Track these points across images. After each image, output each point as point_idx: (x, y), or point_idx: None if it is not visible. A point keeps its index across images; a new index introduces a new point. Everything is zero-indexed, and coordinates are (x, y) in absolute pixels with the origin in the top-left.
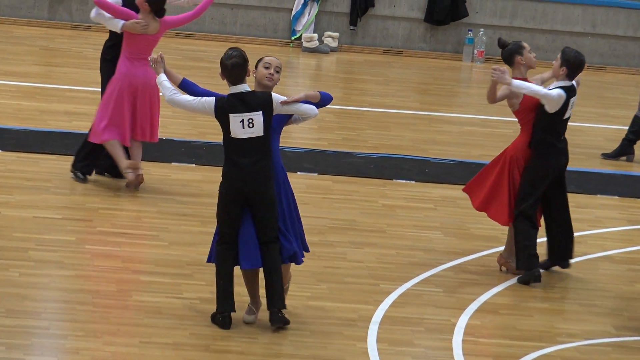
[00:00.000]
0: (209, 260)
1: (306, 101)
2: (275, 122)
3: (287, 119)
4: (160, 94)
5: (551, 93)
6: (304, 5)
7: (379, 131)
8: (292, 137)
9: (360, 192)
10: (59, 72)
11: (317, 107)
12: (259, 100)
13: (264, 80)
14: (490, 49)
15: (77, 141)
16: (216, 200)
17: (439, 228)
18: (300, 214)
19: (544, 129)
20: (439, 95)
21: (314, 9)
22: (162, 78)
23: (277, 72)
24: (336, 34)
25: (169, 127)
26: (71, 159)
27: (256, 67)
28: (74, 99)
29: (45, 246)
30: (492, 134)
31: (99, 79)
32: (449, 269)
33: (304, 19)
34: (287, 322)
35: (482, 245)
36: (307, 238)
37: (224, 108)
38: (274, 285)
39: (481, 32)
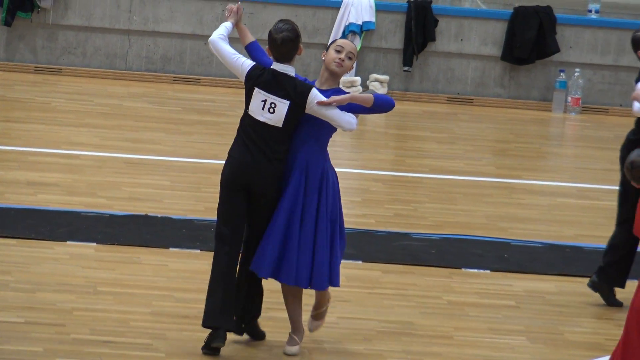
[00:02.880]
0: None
1: (354, 104)
2: (321, 128)
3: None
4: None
5: None
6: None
7: (443, 205)
8: None
9: (419, 285)
10: (20, 130)
11: (372, 113)
12: (293, 89)
13: (332, 65)
14: (589, 94)
15: (44, 221)
16: None
17: (524, 332)
18: (341, 314)
19: None
20: (521, 157)
21: (356, 44)
22: (226, 24)
23: (350, 58)
24: (385, 77)
25: (166, 202)
26: (38, 243)
27: (327, 49)
28: (38, 165)
29: None
30: (592, 207)
31: (73, 138)
32: None
33: None
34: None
35: (581, 355)
36: (349, 345)
37: (254, 78)
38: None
39: (576, 73)
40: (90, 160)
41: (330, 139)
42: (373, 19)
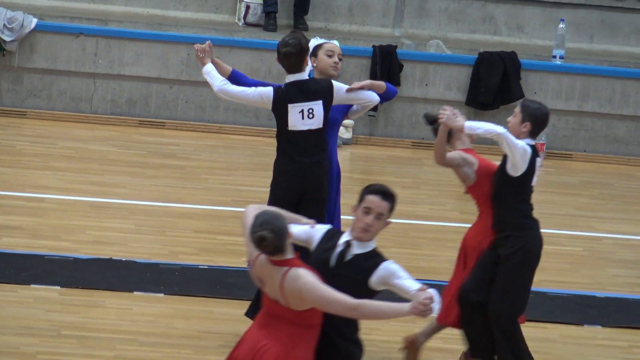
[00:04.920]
0: None
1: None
2: (335, 114)
3: (346, 110)
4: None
5: (514, 139)
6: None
7: (408, 250)
8: None
9: (382, 330)
10: None
11: (382, 101)
12: (319, 88)
13: (329, 70)
14: (553, 140)
15: (8, 264)
16: (196, 342)
17: None
18: None
19: (514, 198)
20: None
21: None
22: (210, 68)
23: (340, 59)
24: (350, 122)
25: (130, 245)
26: (2, 286)
27: (315, 55)
28: (3, 208)
29: None
30: (556, 252)
31: (38, 182)
32: None
33: None
34: None
35: None
36: None
37: (283, 98)
38: None
39: None
40: (55, 204)
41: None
42: None
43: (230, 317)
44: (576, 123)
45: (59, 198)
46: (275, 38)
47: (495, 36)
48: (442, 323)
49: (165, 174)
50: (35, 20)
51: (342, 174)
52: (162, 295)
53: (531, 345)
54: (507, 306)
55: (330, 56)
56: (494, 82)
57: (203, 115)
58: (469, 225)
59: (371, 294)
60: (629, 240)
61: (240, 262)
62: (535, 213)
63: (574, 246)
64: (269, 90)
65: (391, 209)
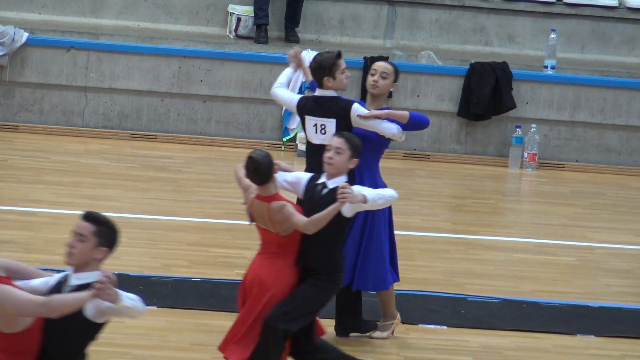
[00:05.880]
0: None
1: (390, 119)
2: (374, 137)
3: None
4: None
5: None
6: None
7: (400, 260)
8: None
9: (375, 341)
10: None
11: (409, 130)
12: (335, 107)
13: (369, 88)
14: (545, 150)
15: None
16: (189, 355)
17: None
18: None
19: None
20: (478, 213)
21: None
22: (288, 71)
23: (384, 78)
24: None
25: (122, 258)
26: None
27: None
28: None
29: None
30: (549, 262)
31: (30, 195)
32: None
33: None
34: None
35: None
36: None
37: (302, 109)
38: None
39: (533, 129)
40: (47, 217)
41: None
42: None
43: (223, 329)
44: (568, 133)
45: (51, 212)
46: (266, 50)
47: (487, 47)
48: None
49: (157, 187)
50: (26, 35)
51: None
52: (154, 308)
53: (524, 355)
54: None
55: (372, 75)
56: (486, 93)
57: (195, 128)
58: (461, 236)
59: (345, 220)
60: (622, 250)
61: (233, 275)
62: (528, 223)
63: (567, 256)
64: (297, 98)
65: (350, 145)
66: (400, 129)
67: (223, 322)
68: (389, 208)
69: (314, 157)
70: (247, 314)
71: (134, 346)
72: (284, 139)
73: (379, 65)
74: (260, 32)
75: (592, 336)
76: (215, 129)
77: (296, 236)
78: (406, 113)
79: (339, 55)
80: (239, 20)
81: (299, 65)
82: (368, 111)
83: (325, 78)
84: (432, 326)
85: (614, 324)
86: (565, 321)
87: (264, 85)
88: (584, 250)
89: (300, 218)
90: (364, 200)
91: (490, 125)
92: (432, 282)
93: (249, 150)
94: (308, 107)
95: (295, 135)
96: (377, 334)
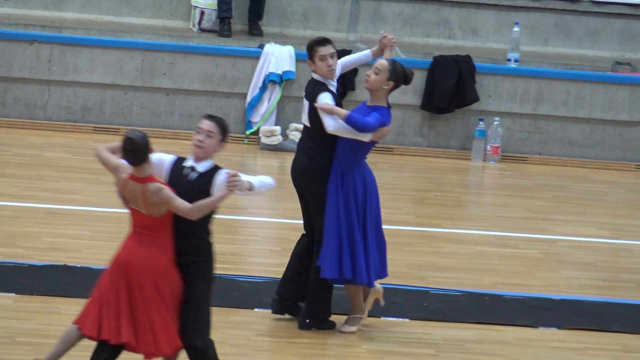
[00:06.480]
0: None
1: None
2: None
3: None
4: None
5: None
6: (262, 89)
7: None
8: (248, 263)
9: (338, 334)
10: None
11: (358, 131)
12: (311, 92)
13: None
14: (508, 143)
15: None
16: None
17: None
18: None
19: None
20: (441, 206)
21: (276, 94)
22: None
23: (376, 73)
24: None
25: (85, 252)
26: None
27: (313, 59)
28: None
29: None
30: (512, 255)
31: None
32: None
33: (263, 108)
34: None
35: None
36: None
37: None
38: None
39: (496, 122)
40: (9, 211)
41: (247, 190)
42: (293, 69)
43: None
44: (531, 126)
45: (13, 205)
46: (230, 44)
47: (450, 40)
48: None
49: None
50: None
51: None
52: None
53: (487, 348)
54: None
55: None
56: (449, 86)
57: (158, 121)
58: (424, 229)
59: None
60: (584, 243)
61: None
62: (491, 216)
63: (530, 249)
64: None
65: (221, 129)
66: (338, 127)
67: None
68: (377, 203)
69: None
70: (129, 300)
71: (87, 341)
72: (247, 133)
73: (377, 61)
74: (223, 25)
75: (555, 329)
76: (178, 122)
77: (168, 218)
78: (344, 113)
79: (318, 41)
80: (202, 13)
81: (382, 50)
82: (325, 102)
83: (308, 61)
84: (395, 319)
85: (577, 317)
86: (527, 314)
87: (227, 79)
88: (547, 243)
89: (182, 203)
90: (250, 188)
91: (454, 119)
92: (395, 275)
93: None
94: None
95: (258, 129)
96: (345, 327)
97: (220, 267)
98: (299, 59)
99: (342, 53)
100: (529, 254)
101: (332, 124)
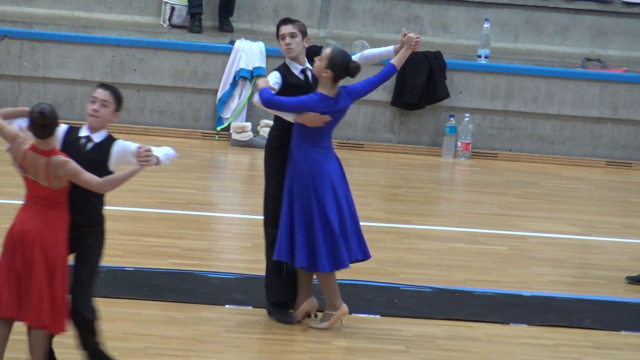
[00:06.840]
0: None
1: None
2: None
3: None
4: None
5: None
6: (233, 85)
7: None
8: (218, 259)
9: (308, 330)
10: None
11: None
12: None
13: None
14: (479, 139)
15: None
16: (122, 344)
17: None
18: None
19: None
20: (412, 202)
21: (246, 90)
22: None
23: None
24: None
25: None
26: None
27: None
28: None
29: None
30: (482, 252)
31: None
32: None
33: (233, 104)
34: None
35: None
36: None
37: None
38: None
39: (466, 118)
40: None
41: (221, 185)
42: (264, 65)
43: (156, 318)
44: (501, 122)
45: None
46: (200, 39)
47: (421, 36)
48: None
49: None
50: None
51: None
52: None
53: (457, 344)
54: None
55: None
56: (420, 82)
57: (128, 117)
58: (395, 226)
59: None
60: (555, 239)
61: (167, 264)
62: (461, 212)
63: (500, 245)
64: None
65: (115, 98)
66: (261, 99)
67: (156, 311)
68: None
69: None
70: (30, 275)
71: (66, 335)
72: (218, 129)
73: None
74: (194, 21)
75: (525, 325)
76: (149, 118)
77: (66, 189)
78: (262, 84)
79: (280, 21)
80: (172, 9)
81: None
82: (265, 79)
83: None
84: (366, 315)
85: (547, 313)
86: (497, 310)
87: (198, 75)
88: (517, 239)
89: (92, 177)
90: (158, 162)
91: (424, 115)
92: (366, 271)
93: (183, 140)
94: None
95: (229, 125)
96: (315, 323)
97: (191, 264)
98: (269, 55)
99: (313, 49)
100: (499, 250)
101: (255, 98)
